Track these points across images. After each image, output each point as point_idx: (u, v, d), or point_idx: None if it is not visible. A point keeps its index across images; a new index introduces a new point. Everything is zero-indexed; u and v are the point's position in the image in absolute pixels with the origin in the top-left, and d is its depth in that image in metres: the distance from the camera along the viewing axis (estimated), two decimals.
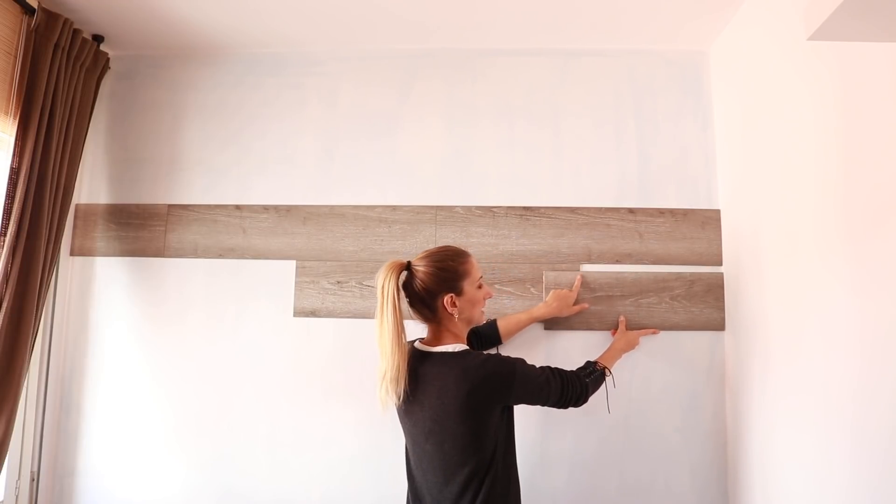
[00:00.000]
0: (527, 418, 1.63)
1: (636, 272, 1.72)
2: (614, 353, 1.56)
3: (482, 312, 1.33)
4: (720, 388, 1.68)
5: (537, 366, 1.29)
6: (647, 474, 1.65)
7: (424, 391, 1.20)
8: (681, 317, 1.69)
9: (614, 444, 1.66)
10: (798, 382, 1.30)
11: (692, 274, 1.71)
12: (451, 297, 1.24)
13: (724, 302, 1.69)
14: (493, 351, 1.54)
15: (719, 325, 1.69)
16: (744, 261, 1.58)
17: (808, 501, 1.26)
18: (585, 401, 1.34)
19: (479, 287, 1.31)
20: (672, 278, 1.71)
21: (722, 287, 1.70)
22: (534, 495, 1.64)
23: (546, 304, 1.64)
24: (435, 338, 1.27)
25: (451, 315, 1.25)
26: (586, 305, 1.68)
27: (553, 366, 1.33)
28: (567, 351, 1.69)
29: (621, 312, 1.70)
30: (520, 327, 1.62)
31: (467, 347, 1.26)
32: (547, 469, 1.67)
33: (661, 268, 1.73)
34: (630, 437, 1.67)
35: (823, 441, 1.21)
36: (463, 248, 1.31)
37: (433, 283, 1.24)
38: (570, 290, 1.68)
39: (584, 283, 1.71)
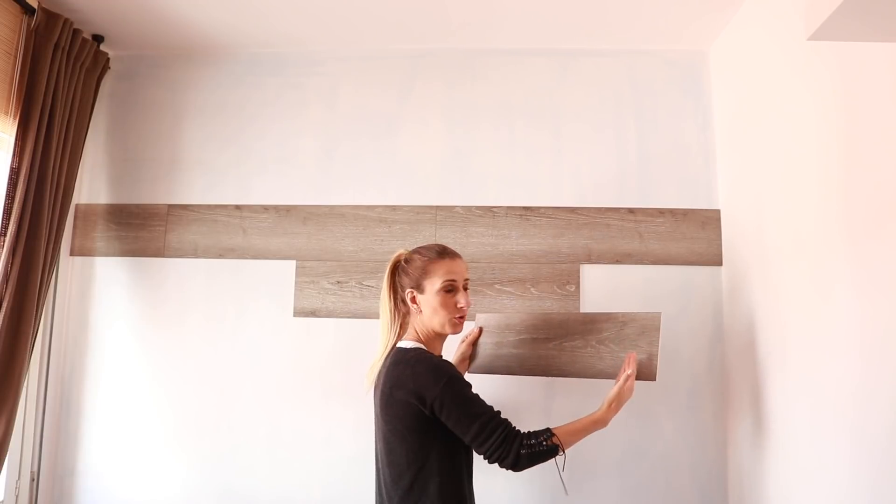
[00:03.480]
0: (527, 419, 1.63)
1: (635, 272, 1.72)
2: (598, 419, 1.23)
3: (450, 323, 1.23)
4: (720, 389, 1.68)
5: (494, 407, 1.16)
6: (647, 474, 1.65)
7: (377, 385, 1.24)
8: (606, 363, 1.34)
9: (614, 444, 1.66)
10: (797, 383, 1.30)
11: (625, 315, 1.35)
12: (412, 292, 1.25)
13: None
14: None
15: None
16: (744, 261, 1.58)
17: (807, 501, 1.26)
18: (515, 470, 1.16)
19: (448, 292, 1.22)
20: (603, 319, 1.38)
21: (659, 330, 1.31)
22: (534, 495, 1.64)
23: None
24: (403, 332, 1.29)
25: (413, 312, 1.26)
26: (476, 331, 1.50)
27: (504, 418, 1.16)
28: None
29: (543, 356, 1.41)
30: (463, 359, 1.49)
31: (420, 346, 1.22)
32: (547, 469, 1.66)
33: (661, 268, 1.73)
34: (630, 438, 1.67)
35: (823, 441, 1.21)
36: (451, 250, 1.28)
37: (403, 276, 1.27)
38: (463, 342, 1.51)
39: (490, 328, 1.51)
